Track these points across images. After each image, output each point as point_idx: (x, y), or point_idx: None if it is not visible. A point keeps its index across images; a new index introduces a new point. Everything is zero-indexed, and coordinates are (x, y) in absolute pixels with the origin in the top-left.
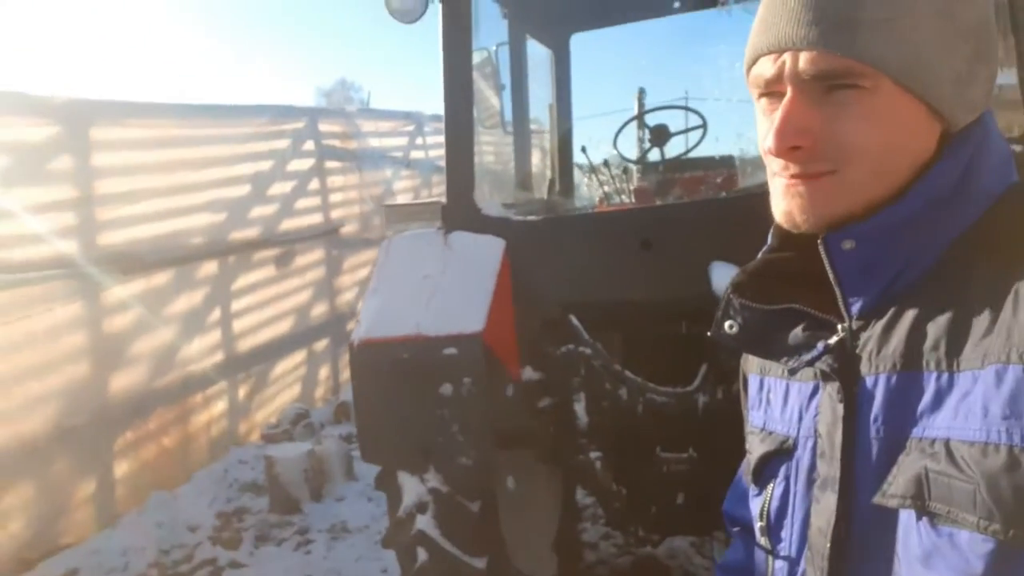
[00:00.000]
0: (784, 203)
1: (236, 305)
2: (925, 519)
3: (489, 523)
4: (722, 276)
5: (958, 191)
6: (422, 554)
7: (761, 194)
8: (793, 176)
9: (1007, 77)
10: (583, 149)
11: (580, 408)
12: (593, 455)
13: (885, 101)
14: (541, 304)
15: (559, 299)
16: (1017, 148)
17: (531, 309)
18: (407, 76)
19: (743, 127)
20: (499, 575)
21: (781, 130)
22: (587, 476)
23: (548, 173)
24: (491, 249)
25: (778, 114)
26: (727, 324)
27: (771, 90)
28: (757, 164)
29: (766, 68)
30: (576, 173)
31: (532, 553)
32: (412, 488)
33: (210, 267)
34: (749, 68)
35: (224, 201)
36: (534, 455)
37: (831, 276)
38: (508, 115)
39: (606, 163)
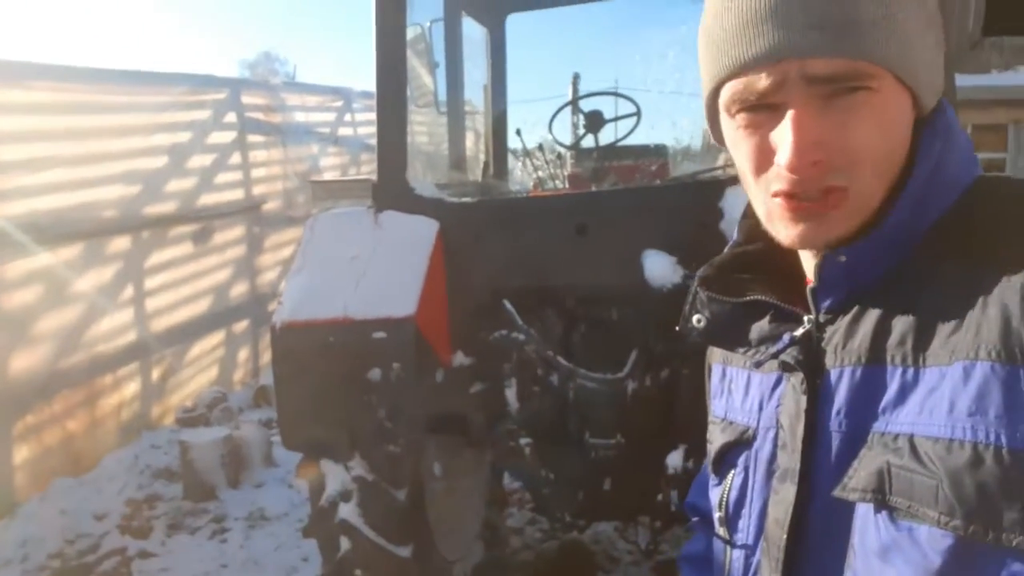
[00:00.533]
0: (798, 227)
1: (150, 283)
2: (884, 513)
3: (415, 511)
4: (655, 264)
5: (929, 185)
6: (345, 543)
7: (694, 184)
8: (804, 194)
9: None
10: (518, 132)
11: (511, 394)
12: (523, 441)
13: (889, 99)
14: (474, 288)
15: (492, 283)
16: None
17: (464, 293)
18: (335, 50)
19: (677, 116)
20: (424, 563)
21: (799, 145)
22: (516, 462)
23: (482, 155)
24: (424, 230)
25: (789, 128)
26: (695, 318)
27: (759, 103)
28: (690, 154)
29: (758, 79)
30: (511, 157)
31: (457, 539)
32: (336, 476)
33: (122, 242)
34: (722, 83)
35: (138, 173)
36: (462, 440)
37: (815, 282)
38: (442, 94)
39: (541, 147)
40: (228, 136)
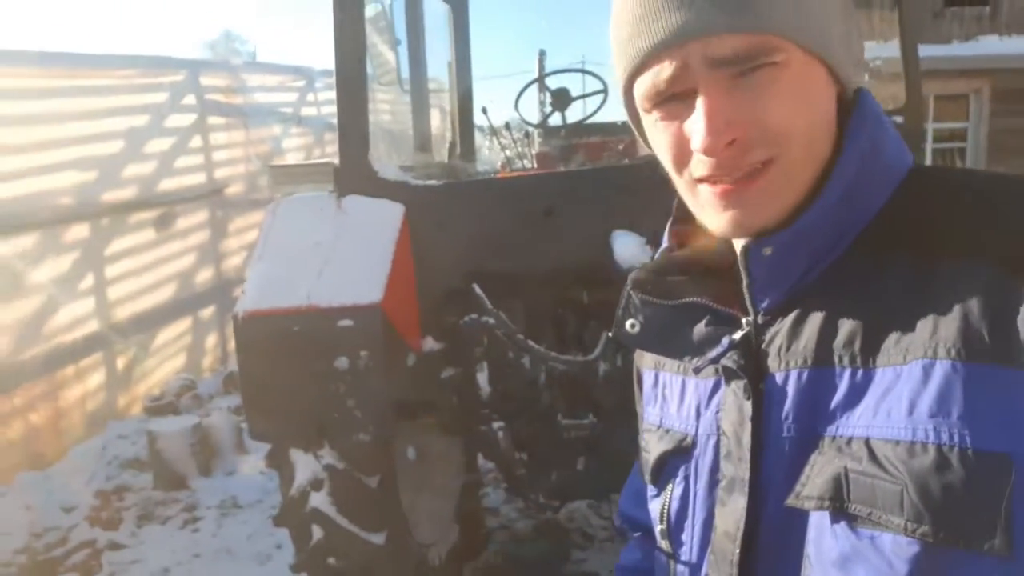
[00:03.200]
0: (727, 213)
1: (112, 271)
2: (843, 521)
3: (388, 498)
4: (624, 244)
5: (863, 175)
6: (317, 532)
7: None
8: (728, 176)
9: (892, 50)
10: (484, 111)
11: (483, 378)
12: (496, 424)
13: (799, 73)
14: (442, 272)
15: (461, 267)
16: (899, 120)
17: (432, 277)
18: (297, 28)
19: None
20: (398, 549)
21: (711, 127)
22: (489, 445)
23: (448, 135)
24: (389, 214)
25: (700, 112)
26: (628, 323)
27: (668, 95)
28: None
29: (663, 68)
30: (477, 136)
31: (433, 523)
32: (306, 465)
33: (80, 230)
34: (633, 78)
35: (94, 159)
36: (435, 425)
37: (744, 279)
38: (405, 72)
39: (507, 126)
40: (187, 119)
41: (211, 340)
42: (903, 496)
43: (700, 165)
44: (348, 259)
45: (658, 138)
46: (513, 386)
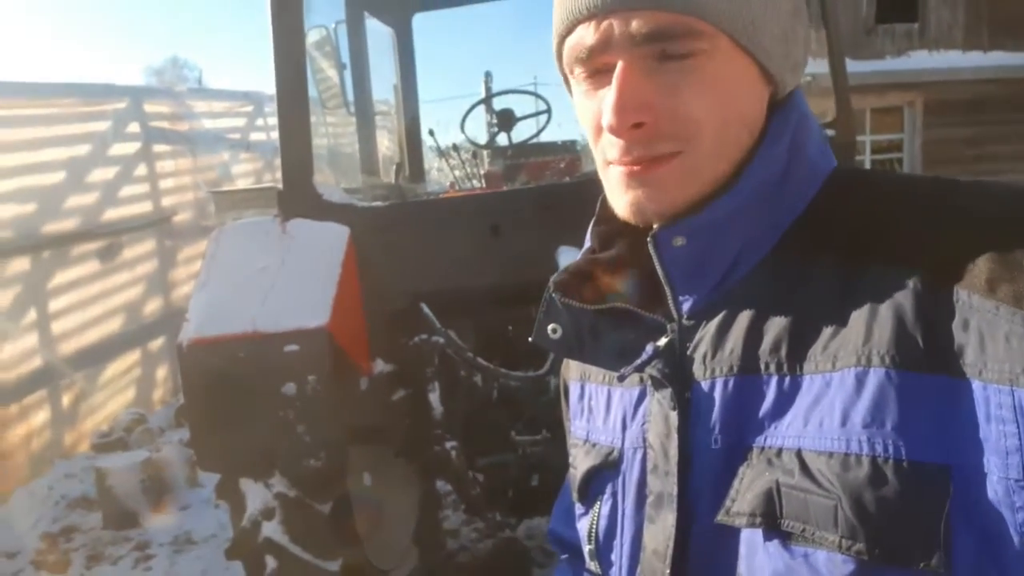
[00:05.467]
0: (629, 194)
1: (55, 304)
2: (776, 539)
3: (342, 524)
4: (570, 259)
5: (786, 173)
6: (271, 562)
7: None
8: (635, 160)
9: (821, 67)
10: (431, 132)
11: (435, 398)
12: (449, 444)
13: (724, 64)
14: (390, 294)
15: (409, 288)
16: (831, 133)
17: (380, 299)
18: (244, 53)
19: None
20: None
21: (620, 104)
22: (444, 466)
23: (395, 157)
24: (334, 237)
25: (613, 87)
26: (549, 328)
27: (594, 63)
28: None
29: (586, 36)
30: (425, 157)
31: (391, 548)
32: (256, 495)
33: (21, 263)
34: (562, 39)
35: (34, 189)
36: (389, 448)
37: (661, 274)
38: (352, 96)
39: (455, 147)
40: (131, 147)
41: (161, 372)
42: (837, 511)
43: (611, 145)
44: (293, 283)
45: (581, 111)
46: (465, 405)
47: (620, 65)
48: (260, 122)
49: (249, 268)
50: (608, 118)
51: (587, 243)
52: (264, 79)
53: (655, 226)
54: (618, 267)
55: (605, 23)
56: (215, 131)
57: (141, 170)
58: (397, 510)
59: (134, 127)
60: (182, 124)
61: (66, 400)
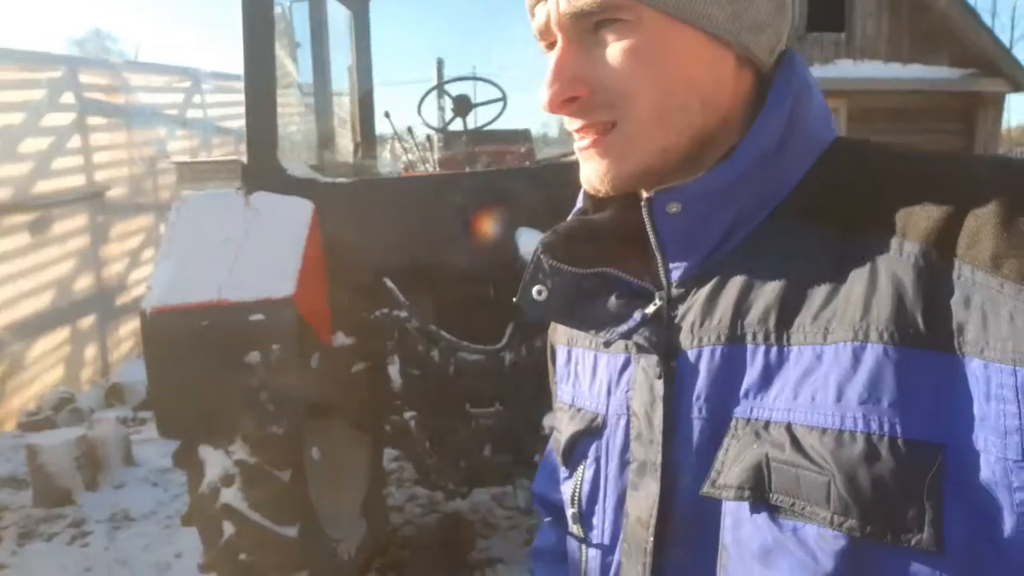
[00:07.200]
0: (583, 168)
1: None
2: (764, 512)
3: (299, 491)
4: (528, 241)
5: (783, 143)
6: (228, 528)
7: (565, 164)
8: (580, 133)
9: None
10: (387, 115)
11: (394, 371)
12: (407, 415)
13: (653, 34)
14: (353, 268)
15: (372, 263)
16: None
17: (343, 273)
18: (181, 29)
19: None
20: (311, 543)
21: (552, 81)
22: (400, 437)
23: (349, 138)
24: (299, 211)
25: (549, 66)
26: (535, 289)
27: (549, 41)
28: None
29: (540, 16)
30: (379, 138)
31: (341, 520)
32: (216, 461)
33: None
34: (532, 20)
35: None
36: (341, 422)
37: (653, 241)
38: (305, 75)
39: (410, 130)
40: (66, 118)
41: (91, 351)
42: (830, 487)
43: (565, 119)
44: (258, 254)
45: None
46: (423, 378)
47: (559, 42)
48: (197, 99)
49: (213, 239)
50: (542, 94)
51: (579, 203)
52: (199, 55)
53: (648, 192)
54: (609, 230)
55: (548, 5)
56: (152, 106)
57: (75, 142)
58: (346, 482)
59: (68, 97)
60: (118, 96)
61: None
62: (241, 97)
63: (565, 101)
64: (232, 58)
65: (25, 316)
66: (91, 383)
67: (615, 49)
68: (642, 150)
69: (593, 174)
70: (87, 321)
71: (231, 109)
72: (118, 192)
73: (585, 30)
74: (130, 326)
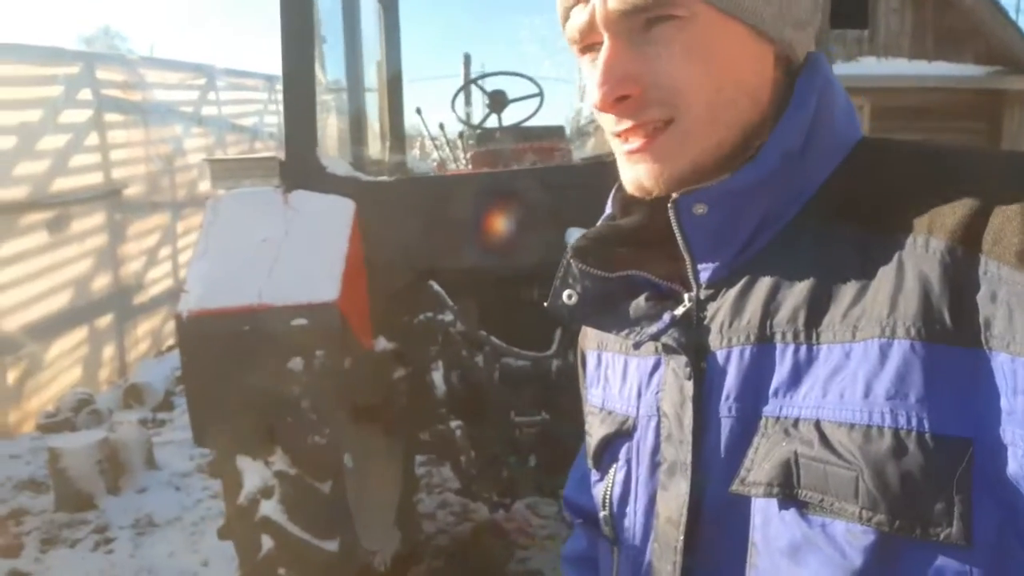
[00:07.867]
0: (630, 170)
1: (0, 276)
2: (792, 508)
3: (340, 503)
4: None
5: (809, 143)
6: (267, 542)
7: (612, 162)
8: (629, 134)
9: None
10: (418, 111)
11: (437, 377)
12: (454, 424)
13: (705, 30)
14: (395, 270)
15: (414, 265)
16: None
17: (384, 275)
18: (192, 26)
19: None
20: (351, 556)
21: (604, 80)
22: (442, 445)
23: (379, 134)
24: (340, 210)
25: (599, 64)
26: (565, 294)
27: (587, 42)
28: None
29: (579, 17)
30: (408, 136)
31: (375, 529)
32: (255, 472)
33: None
34: (564, 22)
35: None
36: (374, 427)
37: (680, 242)
38: (331, 69)
39: (441, 127)
40: (83, 115)
41: (109, 351)
42: (858, 483)
43: (607, 119)
44: (300, 255)
45: (587, 85)
46: (467, 385)
47: (605, 41)
48: (212, 96)
49: (251, 239)
50: (594, 95)
51: (608, 209)
52: (211, 52)
53: (675, 194)
54: (638, 234)
55: (590, 5)
56: (168, 103)
57: (92, 139)
58: (379, 491)
59: (86, 94)
60: (135, 93)
61: (10, 378)
62: (255, 95)
63: (616, 100)
64: (245, 55)
65: (43, 316)
66: (109, 383)
67: (669, 46)
68: (698, 146)
69: (646, 175)
70: (105, 320)
71: (245, 107)
72: (135, 190)
73: (634, 27)
74: (147, 325)
